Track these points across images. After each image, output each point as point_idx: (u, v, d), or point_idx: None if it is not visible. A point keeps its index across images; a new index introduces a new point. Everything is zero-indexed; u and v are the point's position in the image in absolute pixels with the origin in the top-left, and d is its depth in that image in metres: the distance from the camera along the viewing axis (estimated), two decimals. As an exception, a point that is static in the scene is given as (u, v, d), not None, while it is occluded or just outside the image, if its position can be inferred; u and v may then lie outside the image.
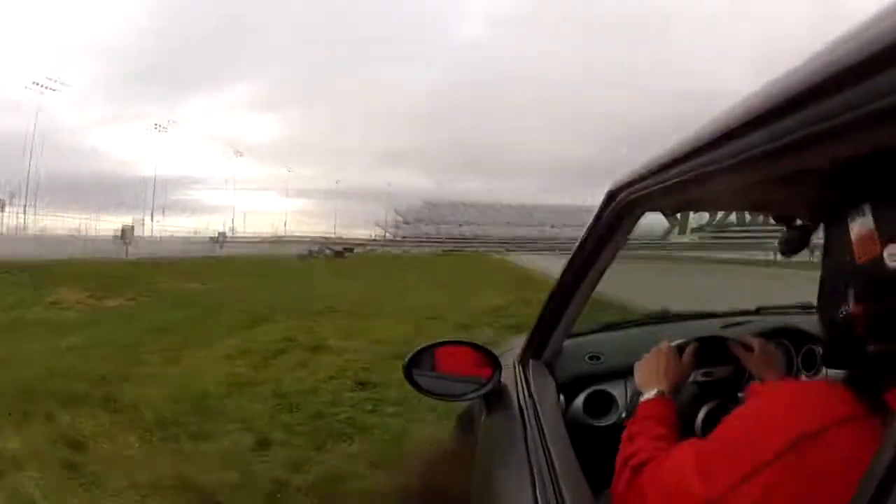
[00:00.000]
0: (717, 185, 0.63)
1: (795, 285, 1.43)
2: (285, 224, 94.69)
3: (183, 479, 2.76)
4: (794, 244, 0.85)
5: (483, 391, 1.26)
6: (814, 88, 0.39)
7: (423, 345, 1.29)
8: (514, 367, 1.35)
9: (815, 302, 0.58)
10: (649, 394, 0.90)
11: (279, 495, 2.63)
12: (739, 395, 1.09)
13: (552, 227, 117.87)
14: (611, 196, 0.96)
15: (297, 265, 29.04)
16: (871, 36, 0.34)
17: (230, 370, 5.02)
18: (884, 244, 0.45)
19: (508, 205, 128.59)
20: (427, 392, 1.26)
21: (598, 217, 1.01)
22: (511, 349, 1.53)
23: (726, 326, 1.41)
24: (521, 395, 1.20)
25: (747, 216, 1.00)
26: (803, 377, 1.26)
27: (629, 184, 0.88)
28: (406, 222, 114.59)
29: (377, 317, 8.29)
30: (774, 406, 0.52)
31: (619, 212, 0.95)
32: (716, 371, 1.10)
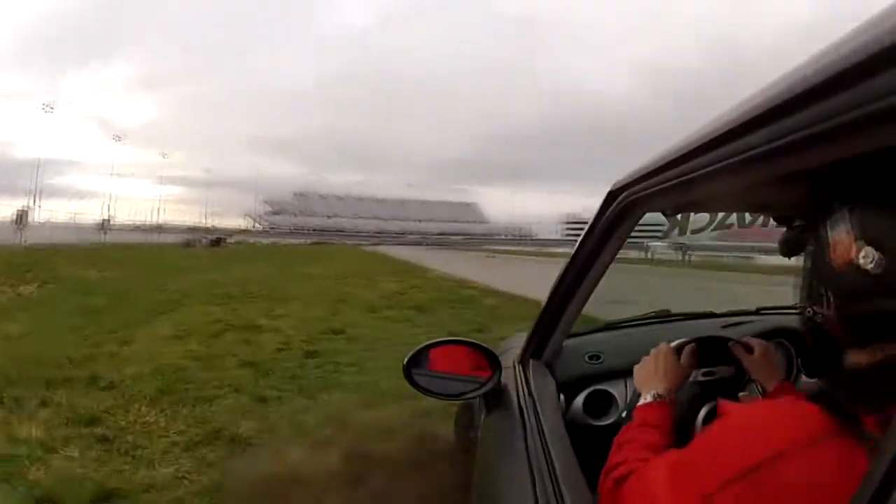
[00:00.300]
0: (717, 186, 0.63)
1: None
2: (160, 212, 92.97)
3: (213, 433, 2.98)
4: (793, 245, 0.87)
5: (483, 391, 1.25)
6: (812, 90, 0.39)
7: (423, 344, 1.27)
8: (514, 366, 1.34)
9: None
10: (646, 397, 0.89)
11: (304, 430, 3.01)
12: (740, 395, 1.09)
13: (419, 221, 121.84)
14: (611, 196, 0.95)
15: (182, 253, 29.68)
16: (871, 37, 0.34)
17: (186, 348, 5.15)
18: (858, 249, 0.45)
19: (377, 198, 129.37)
20: (427, 391, 1.25)
21: (598, 217, 1.00)
22: (511, 349, 1.52)
23: (726, 326, 1.41)
24: (521, 395, 1.19)
25: (747, 216, 1.01)
26: (802, 378, 1.27)
27: (629, 184, 0.87)
28: (276, 213, 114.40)
29: (289, 301, 8.56)
30: (745, 425, 0.53)
31: (619, 212, 0.94)
32: (717, 371, 1.10)
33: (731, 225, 1.06)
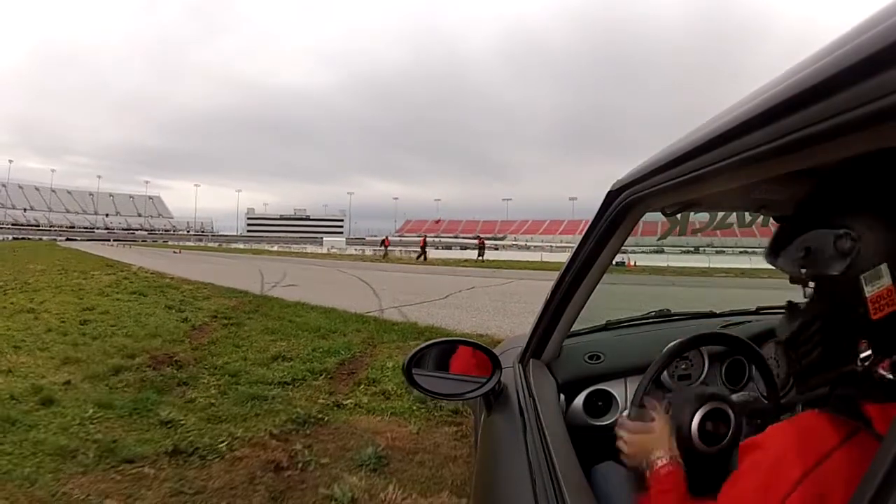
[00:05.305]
0: (717, 186, 0.63)
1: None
2: None
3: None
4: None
5: (483, 390, 1.24)
6: (812, 90, 0.39)
7: (423, 344, 1.26)
8: (515, 366, 1.34)
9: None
10: (655, 464, 0.83)
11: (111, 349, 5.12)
12: (734, 395, 1.07)
13: (107, 215, 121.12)
14: (611, 196, 0.95)
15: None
16: (871, 37, 0.34)
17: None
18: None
19: (68, 189, 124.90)
20: (427, 391, 1.24)
21: (598, 217, 1.00)
22: (511, 349, 1.51)
23: (726, 326, 1.40)
24: (521, 395, 1.19)
25: (747, 216, 1.01)
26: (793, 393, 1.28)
27: (629, 184, 0.88)
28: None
29: (39, 291, 9.91)
30: (777, 450, 0.52)
31: (619, 212, 0.94)
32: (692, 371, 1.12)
33: (731, 224, 1.06)
